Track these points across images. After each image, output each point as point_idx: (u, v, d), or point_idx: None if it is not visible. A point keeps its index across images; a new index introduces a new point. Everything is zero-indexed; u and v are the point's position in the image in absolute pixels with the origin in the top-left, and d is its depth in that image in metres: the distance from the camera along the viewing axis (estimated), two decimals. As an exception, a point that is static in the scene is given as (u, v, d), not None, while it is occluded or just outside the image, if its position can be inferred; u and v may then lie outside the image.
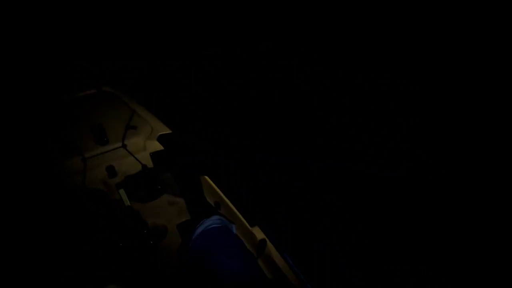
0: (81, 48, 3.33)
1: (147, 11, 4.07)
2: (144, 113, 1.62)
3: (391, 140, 2.41)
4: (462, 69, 2.97)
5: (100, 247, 1.14)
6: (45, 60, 2.93)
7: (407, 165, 2.21)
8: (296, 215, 1.87)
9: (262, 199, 1.89)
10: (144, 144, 1.54)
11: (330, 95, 2.95)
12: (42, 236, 1.10)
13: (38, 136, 1.46)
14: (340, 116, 2.70)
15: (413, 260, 1.65)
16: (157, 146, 1.53)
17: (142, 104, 1.69)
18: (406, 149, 2.33)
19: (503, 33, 3.02)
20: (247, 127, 2.54)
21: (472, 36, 3.13)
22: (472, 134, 2.41)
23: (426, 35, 3.34)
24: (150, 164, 1.48)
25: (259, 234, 1.14)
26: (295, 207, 1.92)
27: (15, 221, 1.10)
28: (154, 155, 1.49)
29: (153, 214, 1.30)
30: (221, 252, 0.95)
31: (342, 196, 1.99)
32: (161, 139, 1.54)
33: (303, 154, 2.33)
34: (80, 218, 1.21)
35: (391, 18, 3.61)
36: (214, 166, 1.53)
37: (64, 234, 1.13)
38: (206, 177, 1.39)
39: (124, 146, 1.48)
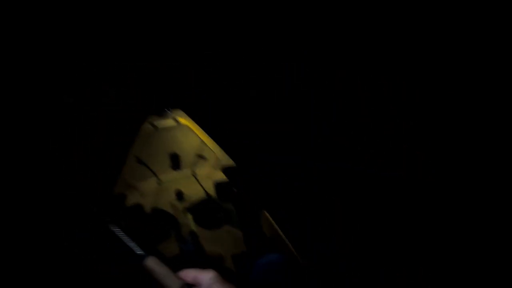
0: (81, 48, 3.33)
1: (147, 11, 4.07)
2: (212, 145, 1.77)
3: (391, 140, 2.41)
4: (462, 69, 2.97)
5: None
6: (45, 60, 2.93)
7: (407, 165, 2.21)
8: (296, 215, 1.87)
9: (262, 199, 1.89)
10: (210, 173, 1.71)
11: (330, 95, 2.95)
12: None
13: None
14: (340, 116, 2.69)
15: (413, 260, 1.65)
16: (222, 176, 1.69)
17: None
18: (406, 149, 2.33)
19: (503, 33, 3.02)
20: (247, 127, 2.54)
21: (472, 36, 3.13)
22: (472, 134, 2.40)
23: (426, 35, 3.34)
24: (214, 193, 1.60)
25: None
26: (295, 207, 1.92)
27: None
28: (218, 185, 1.61)
29: (211, 242, 1.36)
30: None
31: (342, 196, 1.99)
32: (226, 171, 1.70)
33: (303, 154, 2.33)
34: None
35: (390, 18, 3.61)
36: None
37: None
38: (265, 211, 1.48)
39: (193, 173, 1.65)
